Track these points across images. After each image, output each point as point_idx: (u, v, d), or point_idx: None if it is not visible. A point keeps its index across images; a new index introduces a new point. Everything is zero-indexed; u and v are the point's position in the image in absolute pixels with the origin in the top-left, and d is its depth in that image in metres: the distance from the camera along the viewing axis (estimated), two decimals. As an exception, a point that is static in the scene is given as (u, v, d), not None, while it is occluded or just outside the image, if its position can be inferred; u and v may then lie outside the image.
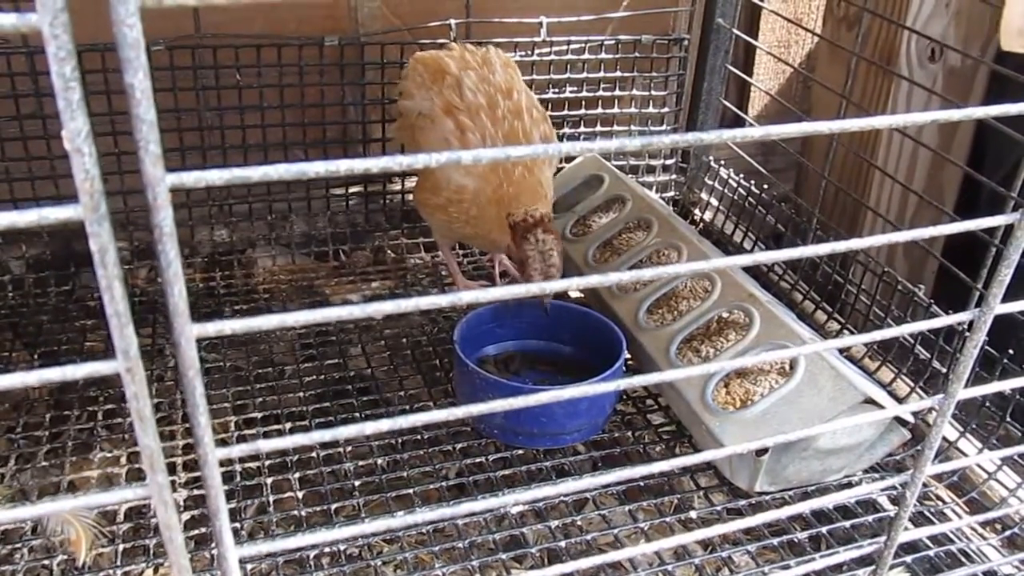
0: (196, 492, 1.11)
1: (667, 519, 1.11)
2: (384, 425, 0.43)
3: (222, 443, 1.20)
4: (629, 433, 1.26)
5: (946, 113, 0.52)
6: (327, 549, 1.05)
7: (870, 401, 1.06)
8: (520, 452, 1.20)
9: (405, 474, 1.15)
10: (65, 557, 1.02)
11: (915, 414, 1.21)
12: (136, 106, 0.31)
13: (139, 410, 0.36)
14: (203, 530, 1.06)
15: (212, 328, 0.40)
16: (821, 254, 0.51)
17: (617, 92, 1.75)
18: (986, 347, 1.13)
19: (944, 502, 1.17)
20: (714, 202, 1.80)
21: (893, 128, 0.53)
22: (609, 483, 1.14)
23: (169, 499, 0.39)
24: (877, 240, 0.52)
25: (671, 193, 1.86)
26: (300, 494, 1.11)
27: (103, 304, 0.34)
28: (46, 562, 1.02)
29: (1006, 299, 0.58)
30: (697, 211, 1.81)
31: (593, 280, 0.47)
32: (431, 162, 0.39)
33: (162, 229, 0.34)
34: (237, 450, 0.40)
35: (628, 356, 1.30)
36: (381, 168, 0.40)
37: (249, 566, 1.04)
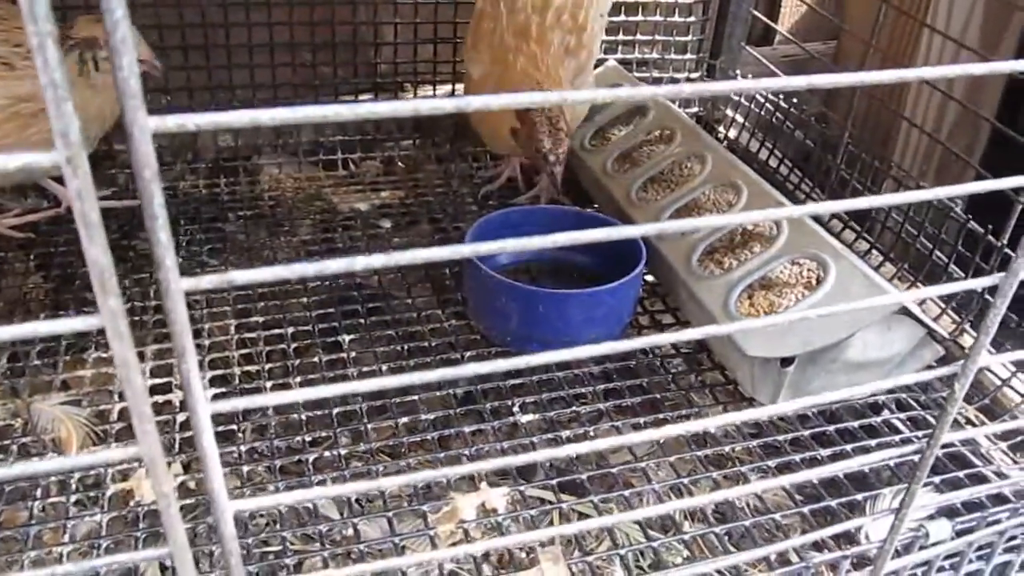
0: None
1: (683, 436, 1.06)
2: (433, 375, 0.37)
3: (220, 350, 1.15)
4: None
5: (979, 66, 0.45)
6: (328, 455, 1.01)
7: (906, 312, 1.00)
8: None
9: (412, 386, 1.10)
10: (55, 455, 0.98)
11: (950, 333, 1.15)
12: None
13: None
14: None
15: (205, 282, 0.34)
16: (878, 205, 0.45)
17: (641, -1, 1.67)
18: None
19: (974, 424, 1.12)
20: (739, 119, 1.72)
21: (925, 79, 0.47)
22: (631, 417, 1.09)
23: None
24: (944, 191, 0.45)
25: (694, 109, 1.78)
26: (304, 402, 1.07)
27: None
28: (35, 460, 0.98)
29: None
30: (721, 128, 1.73)
31: (651, 228, 0.41)
32: (472, 104, 0.33)
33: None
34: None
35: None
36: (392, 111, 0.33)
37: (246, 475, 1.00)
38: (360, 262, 0.37)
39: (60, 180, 1.37)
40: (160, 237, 0.33)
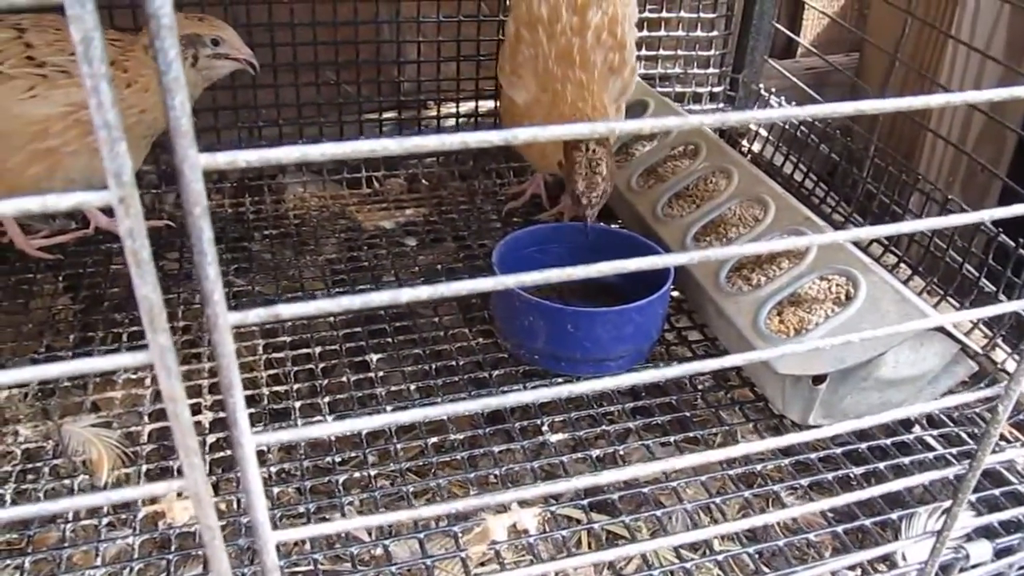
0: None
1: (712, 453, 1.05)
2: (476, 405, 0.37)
3: (248, 370, 1.16)
4: (673, 363, 1.19)
5: (1011, 91, 0.45)
6: (356, 475, 1.01)
7: (938, 328, 0.99)
8: (560, 380, 1.14)
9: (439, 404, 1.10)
10: (86, 477, 0.99)
11: (983, 348, 1.14)
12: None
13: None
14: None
15: (253, 316, 0.34)
16: (922, 229, 0.45)
17: (664, 14, 1.67)
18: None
19: (1008, 440, 1.10)
20: (763, 132, 1.71)
21: (969, 103, 0.46)
22: (661, 433, 1.09)
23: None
24: (990, 213, 0.45)
25: (718, 123, 1.77)
26: (331, 419, 1.07)
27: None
28: (67, 482, 0.98)
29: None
30: (745, 142, 1.73)
31: (696, 255, 0.41)
32: (520, 137, 0.33)
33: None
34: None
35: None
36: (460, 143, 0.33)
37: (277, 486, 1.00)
38: (405, 294, 0.37)
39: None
40: (208, 272, 0.33)
